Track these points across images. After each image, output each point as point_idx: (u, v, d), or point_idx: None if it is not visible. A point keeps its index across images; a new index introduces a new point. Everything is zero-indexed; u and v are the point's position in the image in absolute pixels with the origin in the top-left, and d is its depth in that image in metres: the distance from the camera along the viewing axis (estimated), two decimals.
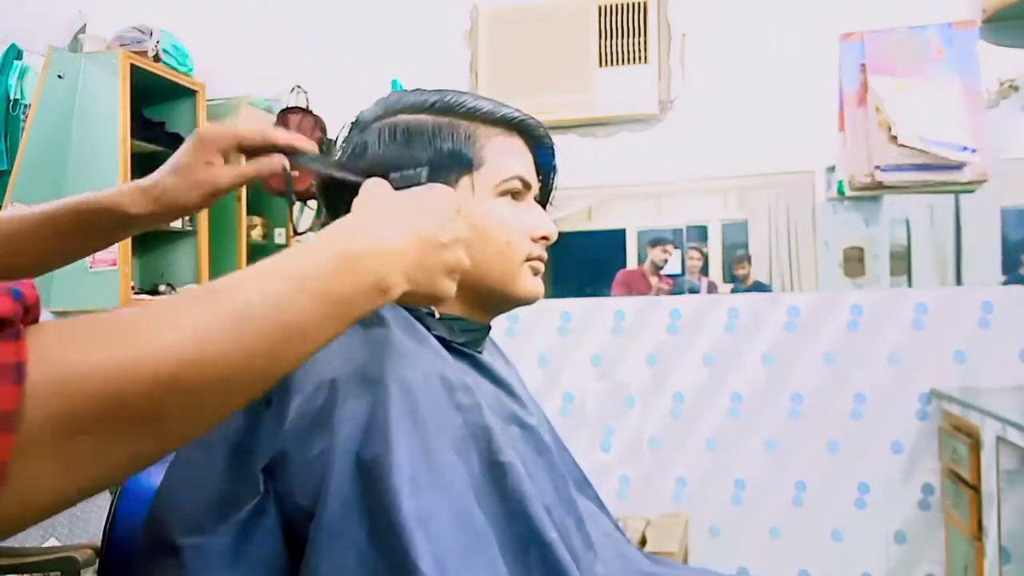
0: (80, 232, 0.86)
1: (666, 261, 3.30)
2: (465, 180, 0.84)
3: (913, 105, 2.55)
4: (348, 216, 0.65)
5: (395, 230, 0.62)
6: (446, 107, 0.85)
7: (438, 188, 0.72)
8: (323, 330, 0.55)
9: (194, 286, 0.57)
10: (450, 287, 0.68)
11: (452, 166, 0.84)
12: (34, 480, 0.42)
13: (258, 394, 0.53)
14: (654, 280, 3.29)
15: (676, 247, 3.33)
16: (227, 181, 0.84)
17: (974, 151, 2.50)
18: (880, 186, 2.59)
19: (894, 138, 2.51)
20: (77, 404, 0.43)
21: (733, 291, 3.21)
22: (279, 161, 0.84)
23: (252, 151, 0.86)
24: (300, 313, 0.52)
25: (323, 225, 0.89)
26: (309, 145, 0.86)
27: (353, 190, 0.85)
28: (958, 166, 2.51)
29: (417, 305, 0.71)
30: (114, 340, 0.46)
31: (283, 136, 0.85)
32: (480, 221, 0.84)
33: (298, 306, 0.52)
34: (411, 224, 0.64)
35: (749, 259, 3.22)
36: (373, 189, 0.70)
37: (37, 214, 0.86)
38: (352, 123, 0.89)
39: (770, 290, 3.07)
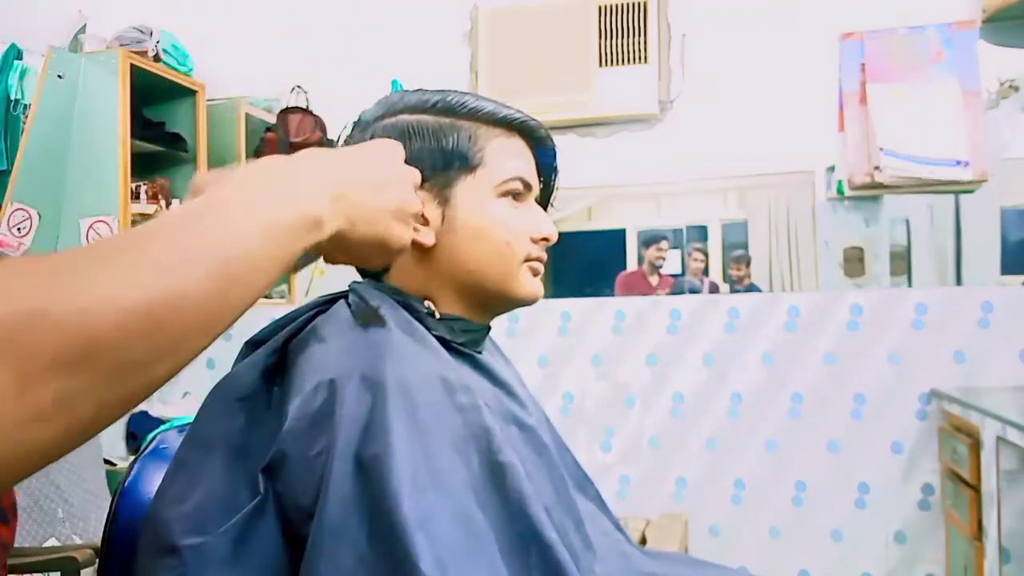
0: None
1: (662, 260, 3.29)
2: (467, 180, 0.84)
3: (909, 118, 2.55)
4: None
5: (327, 173, 0.62)
6: (448, 107, 0.85)
7: (380, 140, 0.76)
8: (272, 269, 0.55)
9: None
10: (403, 231, 0.68)
11: (453, 166, 0.84)
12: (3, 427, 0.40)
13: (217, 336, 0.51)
14: (654, 280, 3.29)
15: (671, 245, 3.32)
16: None
17: (967, 164, 2.51)
18: (880, 186, 2.59)
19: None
20: (44, 345, 0.41)
21: (732, 291, 3.21)
22: None
23: None
24: (254, 252, 0.52)
25: None
26: None
27: None
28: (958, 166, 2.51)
29: (370, 254, 0.68)
30: (74, 283, 0.44)
31: None
32: (480, 221, 0.84)
33: (254, 247, 0.52)
34: (342, 169, 0.64)
35: (748, 261, 3.22)
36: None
37: None
38: (354, 123, 0.89)
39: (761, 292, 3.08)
